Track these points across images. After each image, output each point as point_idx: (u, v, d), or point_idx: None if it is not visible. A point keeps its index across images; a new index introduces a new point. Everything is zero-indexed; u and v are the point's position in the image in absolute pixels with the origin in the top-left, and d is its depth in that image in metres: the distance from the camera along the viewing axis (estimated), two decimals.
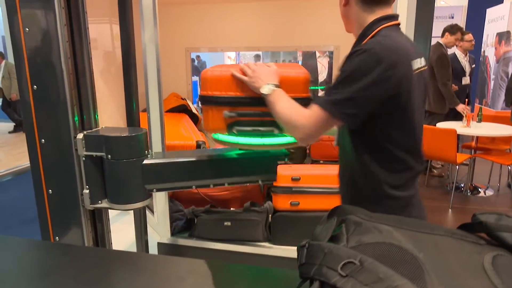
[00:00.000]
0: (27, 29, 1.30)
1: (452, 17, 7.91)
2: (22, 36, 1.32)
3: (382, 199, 1.12)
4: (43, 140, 1.34)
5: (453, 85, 4.20)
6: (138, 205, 1.30)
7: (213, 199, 2.19)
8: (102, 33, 2.55)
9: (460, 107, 4.09)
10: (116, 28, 2.60)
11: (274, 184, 2.10)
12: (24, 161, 5.87)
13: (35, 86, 1.33)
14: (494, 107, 6.31)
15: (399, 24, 1.10)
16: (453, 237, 0.62)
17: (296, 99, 1.08)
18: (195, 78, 10.88)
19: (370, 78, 0.95)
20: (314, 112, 1.01)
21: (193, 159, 1.31)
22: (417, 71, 1.05)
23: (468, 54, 4.52)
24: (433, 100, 4.11)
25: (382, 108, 1.00)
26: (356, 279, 0.50)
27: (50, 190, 1.37)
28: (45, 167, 1.36)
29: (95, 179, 1.31)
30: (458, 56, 4.45)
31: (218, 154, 1.36)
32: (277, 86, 1.12)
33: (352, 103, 0.98)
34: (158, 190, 1.32)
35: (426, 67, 1.12)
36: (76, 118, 1.33)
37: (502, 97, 6.38)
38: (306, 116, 1.02)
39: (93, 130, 1.36)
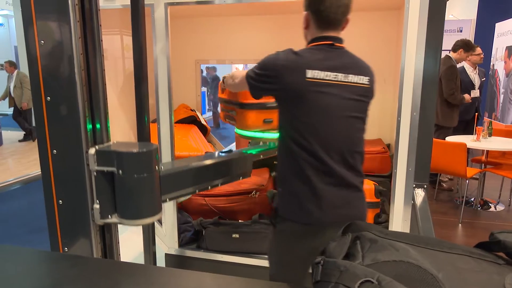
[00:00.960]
0: (43, 41, 1.32)
1: (461, 31, 7.91)
2: (38, 48, 1.35)
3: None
4: (55, 151, 1.35)
5: (466, 94, 4.18)
6: (148, 220, 1.30)
7: (221, 210, 2.18)
8: (112, 44, 2.59)
9: (467, 97, 4.09)
10: (126, 39, 2.64)
11: None
12: (33, 170, 5.88)
13: (49, 98, 1.34)
14: (504, 120, 6.25)
15: (331, 44, 1.31)
16: (472, 256, 0.61)
17: None
18: (203, 89, 10.93)
19: (263, 71, 1.32)
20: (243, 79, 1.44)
21: (204, 163, 1.48)
22: (336, 82, 1.27)
23: (478, 67, 4.50)
24: (441, 114, 4.09)
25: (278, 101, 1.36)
26: None
27: (61, 201, 1.38)
28: (56, 177, 1.37)
29: (105, 193, 1.31)
30: (466, 69, 4.45)
31: (224, 155, 1.58)
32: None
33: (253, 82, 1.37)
34: (172, 198, 1.34)
35: (365, 85, 1.33)
36: (89, 128, 1.34)
37: None
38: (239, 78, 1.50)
39: (105, 145, 1.37)
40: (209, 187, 1.44)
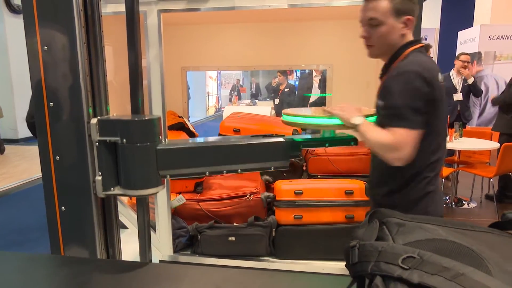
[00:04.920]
0: (46, 47, 1.32)
1: (426, 39, 8.31)
2: (40, 54, 1.34)
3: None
4: (57, 157, 1.34)
5: None
6: (151, 191, 1.29)
7: (216, 215, 2.20)
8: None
9: None
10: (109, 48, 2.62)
11: (277, 198, 2.14)
12: (3, 184, 5.61)
13: (51, 103, 1.34)
14: (470, 123, 6.61)
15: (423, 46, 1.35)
16: (493, 233, 0.67)
17: None
18: None
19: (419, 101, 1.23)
20: (407, 134, 1.23)
21: (207, 144, 1.34)
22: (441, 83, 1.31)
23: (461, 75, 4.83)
24: None
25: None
26: (421, 270, 0.53)
27: (63, 208, 1.36)
28: (59, 184, 1.36)
29: (108, 165, 1.29)
30: (451, 74, 4.85)
31: (232, 140, 1.34)
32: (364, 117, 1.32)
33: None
34: (172, 176, 1.30)
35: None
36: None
37: (477, 114, 6.71)
38: (404, 138, 1.22)
39: (104, 117, 1.35)
40: (225, 172, 1.27)
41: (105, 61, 1.46)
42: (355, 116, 1.30)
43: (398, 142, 1.22)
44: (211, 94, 15.17)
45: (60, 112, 1.34)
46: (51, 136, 1.36)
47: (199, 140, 1.49)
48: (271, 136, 1.29)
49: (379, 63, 1.43)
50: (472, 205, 4.11)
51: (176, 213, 2.27)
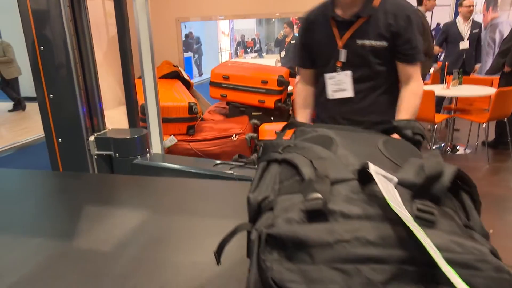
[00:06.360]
0: (42, 47, 1.50)
1: None
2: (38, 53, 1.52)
3: None
4: (60, 140, 1.59)
5: (435, 46, 4.38)
6: None
7: (205, 153, 2.42)
8: (95, 11, 2.71)
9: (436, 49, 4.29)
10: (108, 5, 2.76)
11: (260, 138, 2.33)
12: (25, 137, 6.03)
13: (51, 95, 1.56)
14: (482, 73, 6.46)
15: None
16: (369, 133, 0.84)
17: None
18: (189, 54, 10.92)
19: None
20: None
21: (178, 167, 1.51)
22: None
23: (471, 19, 4.66)
24: None
25: None
26: (288, 152, 0.71)
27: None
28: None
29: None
30: (458, 21, 4.66)
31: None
32: None
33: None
34: None
35: None
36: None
37: (489, 63, 6.54)
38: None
39: (101, 132, 1.65)
40: None
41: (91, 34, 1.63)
42: None
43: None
44: (224, 50, 15.12)
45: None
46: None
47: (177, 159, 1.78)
48: None
49: None
50: (468, 151, 4.21)
51: (169, 153, 2.50)
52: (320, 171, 0.57)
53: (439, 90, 3.90)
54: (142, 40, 2.28)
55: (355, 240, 0.43)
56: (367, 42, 1.41)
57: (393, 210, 0.43)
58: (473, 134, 4.37)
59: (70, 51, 1.52)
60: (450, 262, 0.39)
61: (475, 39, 4.73)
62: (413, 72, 1.45)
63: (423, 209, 0.46)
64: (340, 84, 1.48)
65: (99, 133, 1.64)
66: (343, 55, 1.44)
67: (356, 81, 1.47)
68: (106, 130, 1.71)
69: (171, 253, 0.74)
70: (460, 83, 4.21)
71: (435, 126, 3.93)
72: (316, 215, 0.47)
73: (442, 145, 4.28)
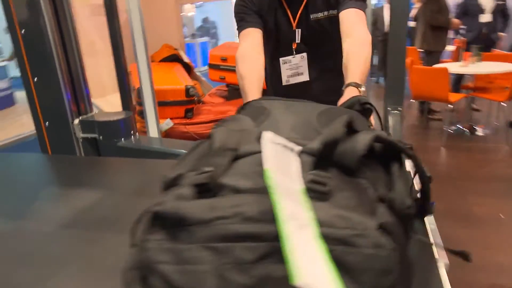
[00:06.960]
0: (23, 31, 1.50)
1: None
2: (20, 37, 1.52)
3: None
4: (47, 123, 1.60)
5: (454, 19, 4.10)
6: None
7: (202, 136, 2.39)
8: None
9: (455, 21, 4.01)
10: None
11: None
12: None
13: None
14: (508, 48, 6.08)
15: None
16: (314, 104, 0.78)
17: None
18: (206, 39, 10.89)
19: None
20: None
21: (163, 149, 1.45)
22: None
23: None
24: (427, 38, 4.04)
25: None
26: (224, 124, 0.67)
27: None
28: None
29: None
30: None
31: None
32: None
33: None
34: None
35: None
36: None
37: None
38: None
39: (87, 116, 1.62)
40: None
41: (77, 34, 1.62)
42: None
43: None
44: None
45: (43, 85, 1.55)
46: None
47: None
48: None
49: None
50: (486, 131, 4.01)
51: (166, 136, 2.49)
52: (229, 144, 0.53)
53: (456, 67, 3.70)
54: (134, 23, 2.25)
55: (234, 216, 0.38)
56: (320, 15, 1.29)
57: (266, 182, 0.38)
58: (494, 114, 4.15)
59: (50, 34, 1.50)
60: (326, 237, 0.34)
61: (501, 11, 4.39)
62: (357, 18, 1.20)
63: (315, 180, 0.41)
64: (297, 68, 1.37)
65: (84, 116, 1.64)
66: (298, 36, 1.33)
67: (311, 62, 1.35)
68: (93, 113, 1.70)
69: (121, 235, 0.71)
70: (479, 60, 3.98)
71: (451, 106, 3.75)
72: (206, 190, 0.44)
73: (458, 126, 4.08)
